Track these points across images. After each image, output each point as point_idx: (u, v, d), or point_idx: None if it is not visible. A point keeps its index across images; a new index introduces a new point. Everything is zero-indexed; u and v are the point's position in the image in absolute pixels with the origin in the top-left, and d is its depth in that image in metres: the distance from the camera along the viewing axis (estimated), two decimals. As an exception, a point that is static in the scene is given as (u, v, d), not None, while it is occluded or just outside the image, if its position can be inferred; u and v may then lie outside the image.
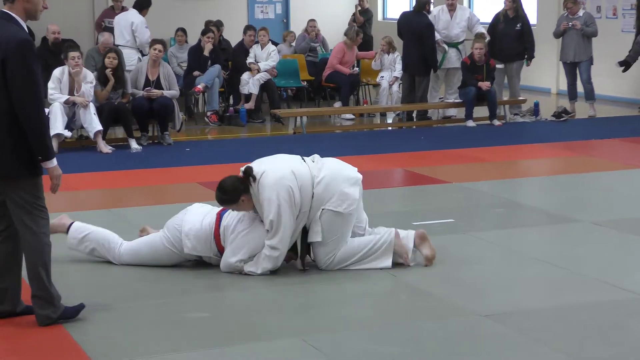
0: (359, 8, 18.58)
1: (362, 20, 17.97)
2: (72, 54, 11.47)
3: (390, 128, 14.58)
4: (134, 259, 6.39)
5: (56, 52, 12.66)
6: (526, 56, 14.13)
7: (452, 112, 14.45)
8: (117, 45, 13.70)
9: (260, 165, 6.21)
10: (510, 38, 13.94)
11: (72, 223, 6.49)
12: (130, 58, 13.40)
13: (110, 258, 6.43)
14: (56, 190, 5.21)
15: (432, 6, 14.33)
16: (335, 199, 6.18)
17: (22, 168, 5.08)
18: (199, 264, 6.38)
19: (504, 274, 6.43)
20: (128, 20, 14.07)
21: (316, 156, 6.54)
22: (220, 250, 6.24)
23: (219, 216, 6.30)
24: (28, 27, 5.33)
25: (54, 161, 5.13)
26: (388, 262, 6.34)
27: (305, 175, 6.19)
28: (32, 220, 5.13)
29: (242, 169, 6.17)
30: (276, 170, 6.13)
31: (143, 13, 14.23)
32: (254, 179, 6.08)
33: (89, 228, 6.48)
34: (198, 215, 6.31)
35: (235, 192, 6.09)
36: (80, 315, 5.39)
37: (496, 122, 13.66)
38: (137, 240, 6.48)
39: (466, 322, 5.40)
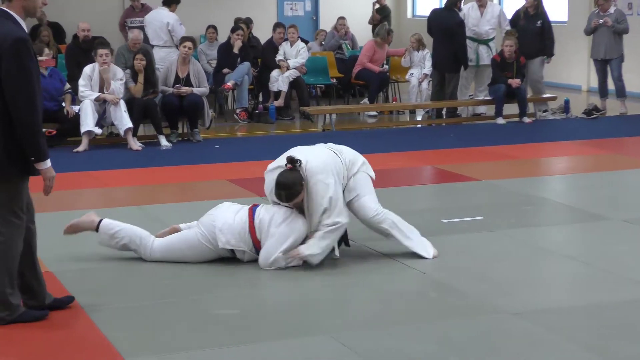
0: (377, 6, 18.56)
1: (379, 18, 17.93)
2: (100, 51, 11.55)
3: (419, 125, 14.54)
4: (166, 255, 6.41)
5: (87, 49, 12.72)
6: (546, 54, 14.03)
7: (481, 109, 14.40)
8: (154, 46, 13.78)
9: (297, 155, 6.34)
10: (530, 35, 13.85)
11: (102, 220, 6.51)
12: (171, 57, 13.32)
13: (142, 254, 6.45)
14: (49, 192, 5.16)
15: (462, 3, 14.27)
16: (364, 167, 6.63)
17: (13, 168, 5.03)
18: (229, 261, 6.39)
19: (533, 271, 6.41)
20: (162, 20, 14.03)
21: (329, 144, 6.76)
22: (256, 243, 6.27)
23: (252, 211, 6.34)
24: (38, 27, 5.39)
25: (48, 162, 5.07)
26: (429, 252, 6.59)
27: (334, 157, 6.49)
28: (3, 224, 5.09)
29: (286, 160, 6.27)
30: (317, 156, 6.40)
31: (172, 9, 14.25)
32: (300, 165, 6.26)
33: (120, 225, 6.50)
34: (230, 212, 6.37)
35: (297, 183, 6.20)
36: (111, 312, 5.42)
37: (526, 120, 13.61)
38: (170, 237, 6.49)
39: (496, 320, 5.37)
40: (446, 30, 13.80)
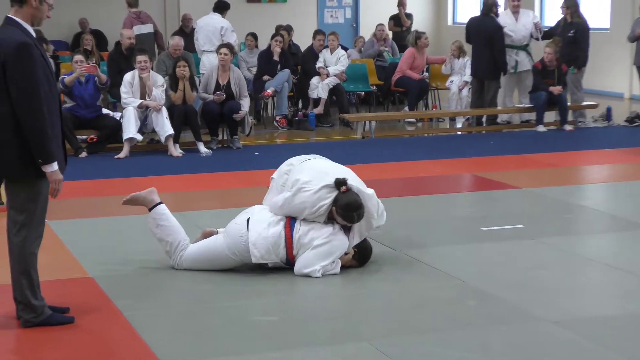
0: (403, 11, 18.48)
1: (408, 24, 17.87)
2: (139, 57, 11.65)
3: (459, 133, 14.50)
4: (193, 265, 6.39)
5: (128, 57, 12.84)
6: (575, 64, 13.83)
7: (526, 116, 14.25)
8: (204, 51, 13.86)
9: (339, 175, 6.45)
10: (563, 44, 13.72)
11: (159, 204, 6.47)
12: None
13: (171, 260, 6.43)
14: (56, 195, 5.20)
15: (499, 9, 14.17)
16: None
17: (26, 168, 5.10)
18: (267, 268, 6.39)
19: (573, 280, 6.36)
20: (216, 26, 14.09)
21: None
22: (291, 258, 6.27)
23: (289, 226, 6.30)
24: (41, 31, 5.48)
25: (54, 165, 5.10)
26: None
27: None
28: (21, 223, 5.17)
29: (335, 182, 6.32)
30: (347, 171, 6.58)
31: (224, 15, 14.33)
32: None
33: (170, 220, 6.45)
34: (263, 223, 6.30)
35: (361, 203, 6.32)
36: (151, 317, 5.45)
37: (567, 127, 13.52)
38: (196, 247, 6.43)
39: (535, 328, 5.34)
40: (484, 36, 13.76)
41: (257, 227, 6.27)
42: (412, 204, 8.77)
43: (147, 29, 16.42)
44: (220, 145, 12.24)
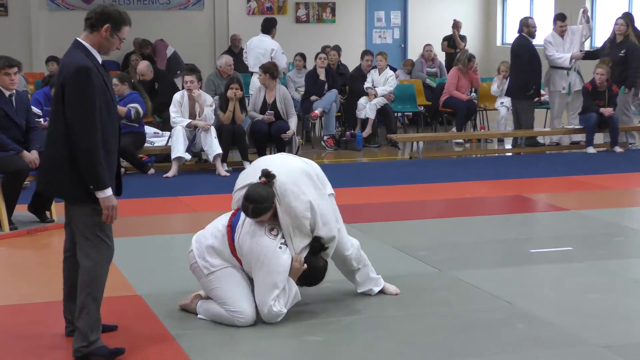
0: (457, 33, 18.45)
1: (462, 46, 17.82)
2: (186, 77, 11.74)
3: (508, 154, 14.41)
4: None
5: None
6: (625, 85, 13.69)
7: (576, 137, 14.13)
8: (252, 73, 13.96)
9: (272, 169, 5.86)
10: (614, 63, 13.59)
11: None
12: None
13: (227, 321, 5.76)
14: (110, 222, 5.09)
15: (535, 30, 14.04)
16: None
17: (81, 192, 5.04)
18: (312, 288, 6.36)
19: (624, 304, 6.26)
20: (266, 48, 14.15)
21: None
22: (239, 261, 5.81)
23: (231, 223, 5.87)
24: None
25: (107, 191, 5.01)
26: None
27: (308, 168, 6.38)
28: (89, 247, 5.11)
29: (261, 172, 5.78)
30: (288, 168, 6.07)
31: (273, 34, 14.41)
32: None
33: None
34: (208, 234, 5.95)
35: (269, 198, 5.72)
36: (200, 339, 5.45)
37: (618, 149, 13.38)
38: (221, 291, 5.77)
39: (585, 352, 5.27)
40: (513, 56, 13.89)
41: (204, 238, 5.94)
42: (459, 225, 8.73)
43: (172, 49, 16.82)
44: (267, 165, 12.25)
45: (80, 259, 5.13)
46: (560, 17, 14.16)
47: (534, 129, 14.21)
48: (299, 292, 5.78)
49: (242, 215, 5.78)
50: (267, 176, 5.73)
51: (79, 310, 5.11)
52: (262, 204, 5.66)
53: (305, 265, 5.77)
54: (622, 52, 13.62)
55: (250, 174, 5.93)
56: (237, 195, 5.94)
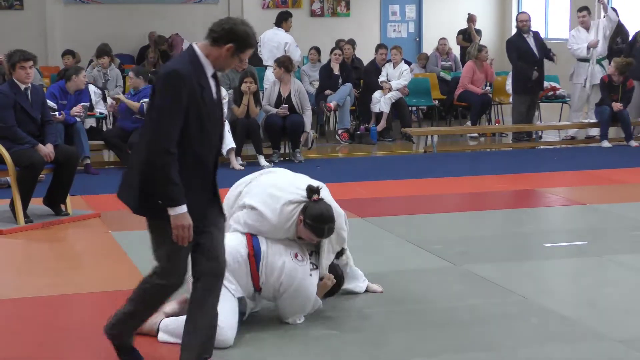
0: (473, 26, 18.37)
1: (478, 40, 17.72)
2: None
3: (522, 148, 14.35)
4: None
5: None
6: None
7: (593, 131, 14.08)
8: (267, 66, 13.94)
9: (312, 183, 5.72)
10: None
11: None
12: None
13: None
14: (181, 242, 4.48)
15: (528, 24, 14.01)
16: None
17: (147, 208, 4.56)
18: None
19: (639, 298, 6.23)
20: (280, 41, 14.14)
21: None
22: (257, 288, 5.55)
23: (252, 248, 5.52)
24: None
25: (177, 209, 4.41)
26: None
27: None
28: (155, 269, 4.66)
29: (307, 189, 5.56)
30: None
31: (285, 27, 14.36)
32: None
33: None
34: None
35: (333, 216, 5.58)
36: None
37: (633, 143, 13.31)
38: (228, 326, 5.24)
39: (599, 347, 5.24)
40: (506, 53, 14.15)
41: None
42: (473, 219, 8.70)
43: (187, 43, 16.85)
44: (282, 159, 12.28)
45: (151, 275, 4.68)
46: (579, 9, 14.13)
47: (539, 123, 14.20)
48: (319, 300, 5.71)
49: (264, 241, 5.50)
50: (318, 192, 5.54)
51: (119, 320, 4.79)
52: (334, 222, 5.51)
53: (334, 281, 5.73)
54: None
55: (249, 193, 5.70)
56: (244, 217, 5.59)
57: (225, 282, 5.03)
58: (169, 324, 5.29)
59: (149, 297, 4.70)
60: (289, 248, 5.53)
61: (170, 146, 4.39)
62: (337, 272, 5.81)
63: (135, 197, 4.54)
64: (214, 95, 4.58)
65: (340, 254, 5.84)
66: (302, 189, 5.57)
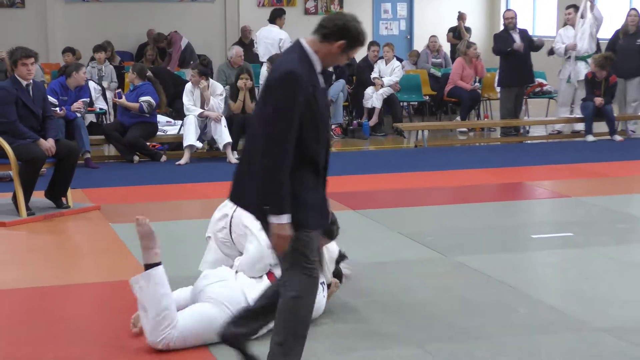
0: (463, 24, 18.33)
1: (468, 37, 17.69)
2: (191, 71, 11.85)
3: (510, 142, 14.36)
4: (190, 342, 5.07)
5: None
6: None
7: (579, 126, 14.08)
8: (262, 63, 13.94)
9: None
10: (630, 53, 13.55)
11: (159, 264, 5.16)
12: None
13: (150, 335, 5.00)
14: (278, 253, 4.24)
15: (513, 21, 14.01)
16: None
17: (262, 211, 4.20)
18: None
19: (623, 289, 6.23)
20: (275, 38, 14.12)
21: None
22: None
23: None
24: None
25: (282, 218, 4.09)
26: None
27: None
28: (288, 275, 4.29)
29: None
30: None
31: (279, 23, 14.33)
32: None
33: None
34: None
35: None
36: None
37: (617, 138, 13.32)
38: (188, 327, 5.05)
39: (585, 336, 5.25)
40: None
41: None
42: (463, 212, 8.71)
43: (185, 40, 16.90)
44: (277, 153, 12.25)
45: (280, 289, 4.34)
46: (567, 7, 14.18)
47: (526, 119, 14.21)
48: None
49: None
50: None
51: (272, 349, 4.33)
52: (338, 223, 5.39)
53: (339, 284, 5.73)
54: (638, 41, 13.58)
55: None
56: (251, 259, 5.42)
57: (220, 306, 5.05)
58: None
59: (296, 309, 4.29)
60: None
61: (286, 151, 4.11)
62: (339, 273, 5.79)
63: (253, 200, 4.24)
64: (324, 92, 4.38)
65: (340, 259, 5.78)
66: None
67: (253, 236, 5.47)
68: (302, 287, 4.24)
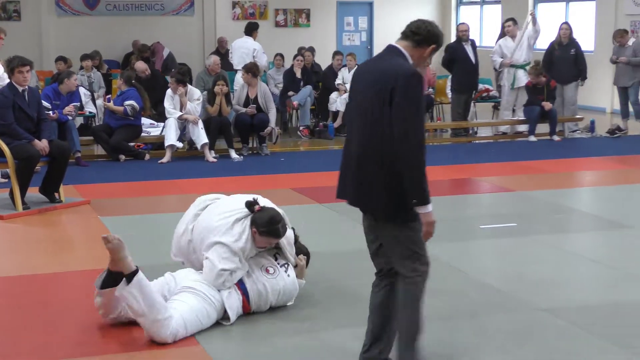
0: None
1: None
2: (170, 79, 11.83)
3: (461, 142, 14.39)
4: (190, 328, 4.98)
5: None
6: (580, 78, 13.86)
7: (521, 128, 14.13)
8: (236, 70, 13.86)
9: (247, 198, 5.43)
10: (566, 62, 13.68)
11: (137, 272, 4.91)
12: None
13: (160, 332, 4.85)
14: (427, 239, 4.14)
15: (467, 34, 13.98)
16: None
17: (393, 211, 4.11)
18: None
19: (562, 273, 6.27)
20: (249, 47, 14.07)
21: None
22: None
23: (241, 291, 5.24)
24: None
25: (429, 207, 4.04)
26: None
27: None
28: (405, 267, 4.21)
29: (246, 205, 5.29)
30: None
31: (254, 35, 14.31)
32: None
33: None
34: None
35: (281, 215, 5.36)
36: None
37: (556, 138, 13.41)
38: (183, 315, 4.94)
39: (530, 316, 5.27)
40: None
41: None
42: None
43: (167, 50, 16.81)
44: (250, 152, 12.21)
45: (398, 280, 4.27)
46: (506, 20, 14.25)
47: (475, 121, 14.25)
48: (302, 280, 5.58)
49: (244, 278, 5.24)
50: (257, 203, 5.28)
51: (397, 341, 4.31)
52: (283, 219, 5.28)
53: (305, 258, 5.67)
54: (572, 50, 13.72)
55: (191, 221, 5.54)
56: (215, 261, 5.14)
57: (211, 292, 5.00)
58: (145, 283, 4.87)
59: (420, 292, 4.25)
60: (259, 267, 5.31)
61: (423, 142, 4.12)
62: (302, 249, 5.75)
63: (387, 204, 4.12)
64: None
65: (296, 239, 5.69)
66: (240, 207, 5.29)
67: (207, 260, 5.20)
68: (429, 267, 4.22)
